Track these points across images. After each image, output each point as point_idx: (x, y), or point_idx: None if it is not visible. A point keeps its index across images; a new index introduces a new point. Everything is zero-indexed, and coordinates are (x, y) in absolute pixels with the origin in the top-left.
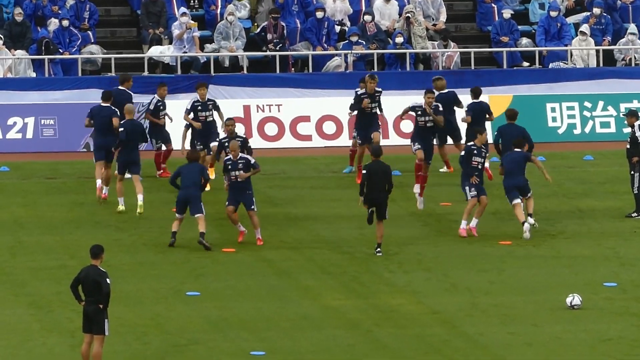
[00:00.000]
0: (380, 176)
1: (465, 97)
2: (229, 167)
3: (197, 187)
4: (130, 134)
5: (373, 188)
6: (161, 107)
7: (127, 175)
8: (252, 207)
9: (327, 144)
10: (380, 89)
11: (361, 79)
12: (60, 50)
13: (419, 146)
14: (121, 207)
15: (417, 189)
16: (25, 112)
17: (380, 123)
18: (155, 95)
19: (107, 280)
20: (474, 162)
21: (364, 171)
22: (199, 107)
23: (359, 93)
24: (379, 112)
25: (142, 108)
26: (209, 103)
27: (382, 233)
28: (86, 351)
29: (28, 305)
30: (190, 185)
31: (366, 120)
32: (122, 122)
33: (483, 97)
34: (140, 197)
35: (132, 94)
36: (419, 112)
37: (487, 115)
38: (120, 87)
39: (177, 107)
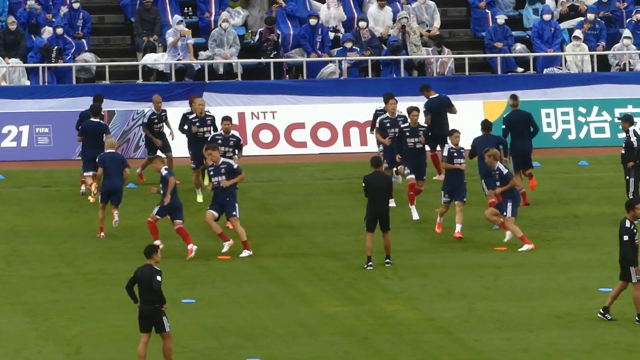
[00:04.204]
0: (381, 187)
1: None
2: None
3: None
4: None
5: (374, 199)
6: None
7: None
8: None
9: (322, 150)
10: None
11: (409, 108)
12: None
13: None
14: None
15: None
16: (19, 120)
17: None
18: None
19: (158, 277)
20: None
21: (363, 183)
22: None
23: (402, 126)
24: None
25: (136, 116)
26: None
27: (388, 244)
28: (142, 350)
29: (24, 314)
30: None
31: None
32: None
33: (477, 103)
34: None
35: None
36: (407, 133)
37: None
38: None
39: (171, 115)
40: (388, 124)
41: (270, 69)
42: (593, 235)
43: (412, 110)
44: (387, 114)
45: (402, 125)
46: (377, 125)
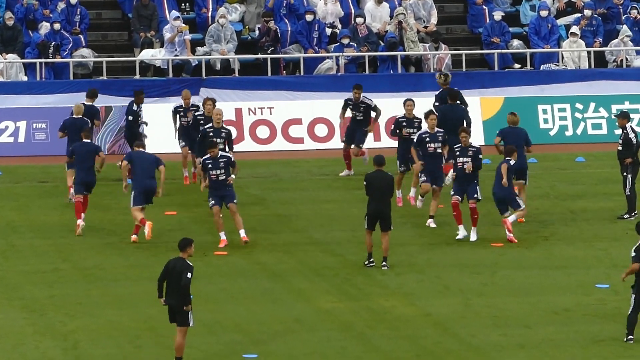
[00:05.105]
0: (383, 186)
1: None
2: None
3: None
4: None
5: (375, 198)
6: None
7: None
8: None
9: (319, 146)
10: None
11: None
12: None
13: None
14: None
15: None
16: (17, 116)
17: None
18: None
19: (189, 274)
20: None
21: (364, 182)
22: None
23: (398, 117)
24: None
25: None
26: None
27: (387, 246)
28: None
29: (21, 309)
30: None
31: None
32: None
33: (474, 100)
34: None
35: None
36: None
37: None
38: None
39: (168, 110)
40: (404, 123)
41: (267, 65)
42: (590, 232)
43: (429, 114)
44: (405, 114)
45: (420, 132)
46: (394, 128)
